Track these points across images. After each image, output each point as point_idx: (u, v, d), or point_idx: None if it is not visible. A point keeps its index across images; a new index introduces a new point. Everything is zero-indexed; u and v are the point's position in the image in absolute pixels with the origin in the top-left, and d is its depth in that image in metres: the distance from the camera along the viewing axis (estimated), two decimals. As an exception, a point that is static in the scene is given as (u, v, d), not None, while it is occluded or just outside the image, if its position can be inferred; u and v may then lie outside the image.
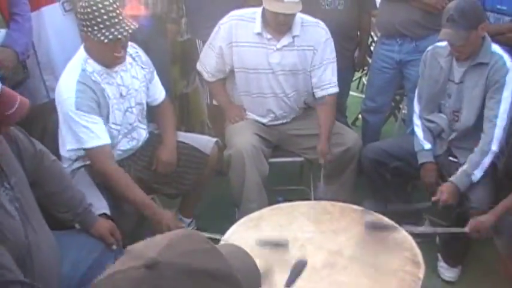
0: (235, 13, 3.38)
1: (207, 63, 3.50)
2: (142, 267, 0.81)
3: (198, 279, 0.83)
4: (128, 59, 2.90)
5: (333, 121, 3.44)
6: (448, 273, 3.23)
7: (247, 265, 1.01)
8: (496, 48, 3.06)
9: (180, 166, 3.14)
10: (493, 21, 3.50)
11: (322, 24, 3.40)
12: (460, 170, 3.00)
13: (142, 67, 3.01)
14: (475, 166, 2.96)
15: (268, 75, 3.38)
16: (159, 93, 3.18)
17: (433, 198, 2.99)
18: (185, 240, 0.88)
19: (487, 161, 2.97)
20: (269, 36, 3.30)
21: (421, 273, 2.01)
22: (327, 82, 3.44)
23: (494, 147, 2.96)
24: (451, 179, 2.99)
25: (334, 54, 3.46)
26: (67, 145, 2.78)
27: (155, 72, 3.12)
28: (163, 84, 3.24)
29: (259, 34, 3.30)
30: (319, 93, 3.46)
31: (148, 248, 0.85)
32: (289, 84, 3.42)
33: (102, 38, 2.60)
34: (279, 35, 3.29)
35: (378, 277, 2.01)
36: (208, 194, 3.50)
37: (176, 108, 4.00)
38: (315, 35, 3.36)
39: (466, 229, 2.71)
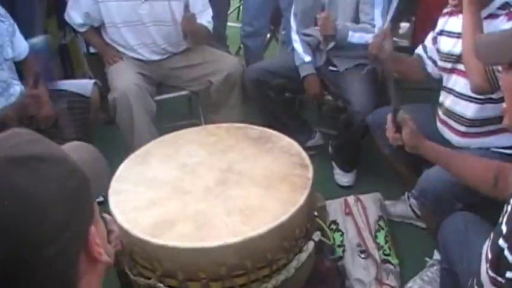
0: None
1: (74, 17, 3.39)
2: None
3: (24, 164, 0.81)
4: None
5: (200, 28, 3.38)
6: (344, 178, 3.35)
7: (91, 158, 1.00)
8: None
9: (64, 114, 3.01)
10: None
11: None
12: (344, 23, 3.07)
13: (1, 20, 2.83)
14: (356, 30, 3.04)
15: (138, 27, 3.32)
16: (23, 47, 3.00)
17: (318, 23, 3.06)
18: (10, 137, 0.86)
19: (367, 37, 3.00)
20: None
21: (310, 174, 2.06)
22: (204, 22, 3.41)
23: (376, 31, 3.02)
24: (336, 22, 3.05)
25: (207, 1, 3.44)
26: None
27: (16, 25, 2.95)
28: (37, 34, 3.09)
29: None
30: None
31: None
32: (160, 34, 3.37)
33: None
34: None
35: (269, 184, 2.04)
36: (99, 145, 3.40)
37: (58, 61, 3.86)
38: None
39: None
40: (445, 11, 2.53)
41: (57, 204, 0.81)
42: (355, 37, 3.03)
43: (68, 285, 0.85)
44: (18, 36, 2.97)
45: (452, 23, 2.44)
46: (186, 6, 3.18)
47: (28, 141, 0.86)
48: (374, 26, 3.05)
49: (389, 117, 2.13)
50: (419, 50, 2.72)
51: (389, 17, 2.91)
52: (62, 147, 0.93)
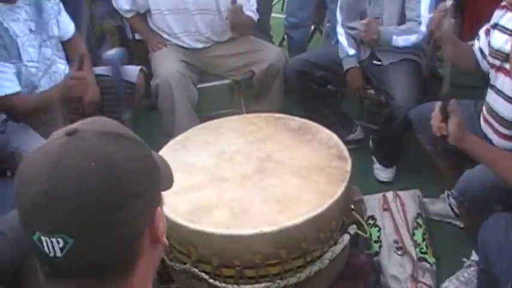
0: None
1: (121, 3, 3.43)
2: (64, 135, 0.89)
3: (113, 138, 0.91)
4: None
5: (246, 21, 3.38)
6: (383, 174, 3.32)
7: (161, 160, 1.07)
8: None
9: (109, 100, 3.06)
10: None
11: None
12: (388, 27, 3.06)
13: None
14: (399, 33, 3.02)
15: (184, 15, 3.33)
16: (68, 26, 3.04)
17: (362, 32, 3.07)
18: (100, 119, 0.98)
19: (412, 38, 3.01)
20: None
21: (348, 167, 2.04)
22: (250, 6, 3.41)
23: (423, 29, 2.99)
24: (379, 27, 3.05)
25: None
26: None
27: (61, 5, 2.99)
28: (81, 19, 3.14)
29: None
30: None
31: (68, 127, 0.93)
32: (204, 22, 3.38)
33: None
34: None
35: (307, 175, 2.03)
36: (141, 130, 3.45)
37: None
38: None
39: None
40: (503, 3, 2.41)
41: (134, 175, 0.90)
42: (399, 40, 3.02)
43: (129, 259, 0.91)
44: (64, 15, 3.00)
45: (508, 18, 2.34)
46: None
47: (115, 124, 0.97)
48: (420, 23, 3.00)
49: (437, 104, 2.04)
50: (474, 47, 2.64)
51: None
52: None
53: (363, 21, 3.00)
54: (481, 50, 2.54)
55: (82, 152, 0.87)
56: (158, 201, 0.98)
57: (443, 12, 2.48)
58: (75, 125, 0.92)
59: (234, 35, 3.40)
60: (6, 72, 2.60)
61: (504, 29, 2.33)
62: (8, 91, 2.60)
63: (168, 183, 1.06)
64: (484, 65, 2.53)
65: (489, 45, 2.42)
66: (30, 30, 2.72)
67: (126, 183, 0.88)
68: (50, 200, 0.84)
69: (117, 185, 0.87)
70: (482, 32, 2.54)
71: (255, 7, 3.44)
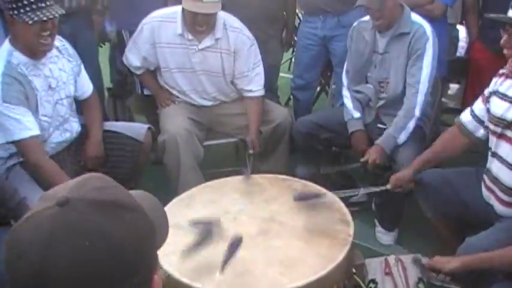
0: (157, 13, 3.38)
1: (132, 60, 3.51)
2: (55, 205, 0.86)
3: (107, 209, 0.88)
4: (55, 52, 2.86)
5: (260, 115, 3.48)
6: (385, 237, 3.32)
7: (155, 208, 1.06)
8: (415, 17, 3.16)
9: (114, 156, 3.12)
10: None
11: (245, 30, 3.40)
12: (386, 132, 3.11)
13: (69, 60, 2.97)
14: (399, 130, 3.07)
15: (191, 74, 3.41)
16: (86, 86, 3.14)
17: (362, 159, 3.10)
18: (94, 180, 0.94)
19: (411, 125, 3.09)
20: (190, 37, 3.30)
21: (351, 231, 2.07)
22: (254, 89, 3.49)
23: (417, 112, 3.07)
24: (377, 141, 3.10)
25: (259, 57, 3.49)
26: (-4, 140, 2.73)
27: (82, 66, 3.09)
28: (92, 76, 3.23)
29: (180, 35, 3.30)
30: (245, 95, 3.52)
31: (59, 189, 0.91)
32: (210, 83, 3.46)
33: (27, 19, 2.54)
34: (200, 35, 3.29)
35: (310, 238, 2.06)
36: (146, 183, 3.49)
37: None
38: (238, 42, 3.35)
39: (388, 186, 2.81)
40: (501, 71, 2.49)
41: (131, 248, 0.87)
42: (402, 136, 3.09)
43: None
44: (84, 76, 3.11)
45: (507, 85, 2.40)
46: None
47: (111, 187, 0.94)
48: (417, 91, 3.07)
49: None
50: (460, 117, 2.70)
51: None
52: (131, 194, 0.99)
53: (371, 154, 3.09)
54: (476, 117, 2.59)
55: (75, 228, 0.84)
56: (156, 266, 0.97)
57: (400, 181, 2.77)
58: (67, 191, 0.89)
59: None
60: (28, 116, 2.68)
61: (505, 96, 2.38)
62: (29, 134, 2.67)
63: (164, 235, 1.05)
64: (480, 133, 2.59)
65: (489, 112, 2.47)
66: (49, 87, 2.81)
67: (124, 259, 0.86)
68: (41, 283, 0.82)
69: (113, 264, 0.85)
70: (478, 102, 2.60)
71: (262, 79, 3.52)
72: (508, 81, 2.41)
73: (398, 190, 2.81)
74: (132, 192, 1.02)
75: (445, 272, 2.10)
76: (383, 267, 2.75)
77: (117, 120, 4.15)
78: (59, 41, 2.90)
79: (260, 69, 3.50)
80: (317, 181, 2.50)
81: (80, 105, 3.18)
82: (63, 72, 2.91)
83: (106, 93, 4.69)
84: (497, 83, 2.48)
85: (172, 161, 3.26)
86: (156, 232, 0.97)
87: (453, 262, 2.09)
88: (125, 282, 0.86)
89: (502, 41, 2.30)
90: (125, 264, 0.86)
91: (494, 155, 2.43)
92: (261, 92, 3.52)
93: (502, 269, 2.03)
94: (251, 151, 3.24)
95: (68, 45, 3.00)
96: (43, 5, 2.58)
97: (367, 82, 3.33)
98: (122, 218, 0.89)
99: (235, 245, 1.99)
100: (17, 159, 2.81)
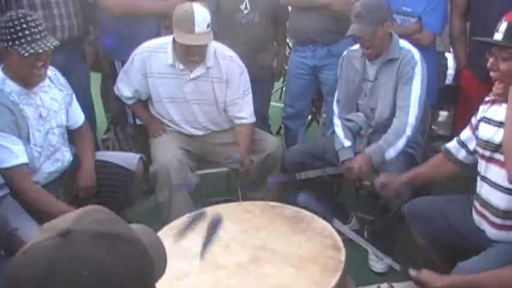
0: (148, 44, 3.40)
1: (123, 90, 3.52)
2: (56, 236, 0.86)
3: (107, 241, 0.89)
4: (47, 82, 2.87)
5: (251, 141, 3.51)
6: (378, 265, 3.31)
7: (154, 242, 1.07)
8: (404, 43, 3.22)
9: (106, 185, 3.12)
10: (400, 22, 3.66)
11: (236, 58, 3.43)
12: (375, 144, 3.13)
13: (60, 89, 2.98)
14: (389, 145, 3.09)
15: (182, 104, 3.43)
16: (78, 116, 3.16)
17: (347, 165, 3.15)
18: (94, 212, 0.96)
19: (400, 144, 3.10)
20: (181, 66, 3.32)
21: (342, 257, 2.07)
22: (245, 116, 3.51)
23: (409, 131, 3.09)
24: (366, 149, 3.13)
25: (249, 84, 3.52)
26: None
27: (74, 96, 3.10)
28: (84, 108, 3.24)
29: (171, 65, 3.32)
30: (237, 122, 3.54)
31: (60, 221, 0.91)
32: (202, 112, 3.48)
33: (22, 51, 2.55)
34: (191, 65, 3.32)
35: (302, 265, 2.06)
36: (138, 213, 3.47)
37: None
38: (229, 70, 3.38)
39: (376, 180, 2.88)
40: (487, 98, 2.54)
41: (130, 281, 0.88)
42: (391, 152, 3.11)
43: None
44: (75, 105, 3.12)
45: (494, 110, 2.44)
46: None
47: (111, 219, 0.96)
48: (407, 113, 3.10)
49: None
50: (448, 144, 2.74)
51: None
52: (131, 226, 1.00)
53: (357, 160, 3.12)
54: (460, 142, 2.65)
55: (76, 259, 0.85)
56: None
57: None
58: (68, 222, 0.90)
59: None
60: (18, 144, 2.69)
61: (491, 121, 2.42)
62: (18, 161, 2.67)
63: (162, 269, 1.06)
64: (461, 155, 2.64)
65: (477, 138, 2.51)
66: (40, 116, 2.82)
67: None
68: None
69: None
70: (467, 130, 2.64)
71: (251, 106, 3.53)
72: (494, 107, 2.45)
73: (382, 191, 2.84)
74: (133, 226, 1.04)
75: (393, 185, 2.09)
76: (376, 295, 2.74)
77: (121, 150, 4.14)
78: (50, 71, 2.92)
79: (249, 98, 3.52)
80: (308, 209, 2.49)
81: (72, 136, 3.18)
82: (54, 101, 2.92)
83: (106, 122, 4.76)
84: (484, 110, 2.52)
85: (164, 191, 3.24)
86: (155, 266, 0.98)
87: (444, 280, 2.09)
88: None
89: (488, 64, 2.34)
90: None
91: (484, 179, 2.45)
92: (253, 119, 3.54)
93: None
94: (241, 169, 3.30)
95: (59, 75, 3.02)
96: (38, 36, 2.60)
97: (358, 110, 3.35)
98: (122, 251, 0.90)
99: (215, 224, 1.98)
100: (8, 189, 2.80)
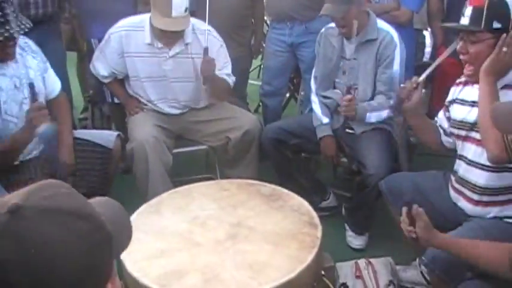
0: (124, 22, 3.34)
1: (99, 69, 3.47)
2: (6, 213, 0.85)
3: (59, 217, 0.87)
4: (17, 50, 2.79)
5: (221, 81, 3.44)
6: (356, 241, 3.33)
7: (117, 216, 1.05)
8: (382, 24, 3.20)
9: (84, 163, 3.08)
10: (378, 0, 3.66)
11: (213, 31, 3.39)
12: (361, 103, 3.13)
13: (33, 56, 2.91)
14: (372, 109, 3.11)
15: (162, 82, 3.40)
16: (56, 84, 3.08)
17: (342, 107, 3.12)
18: (46, 187, 0.93)
19: (383, 114, 3.13)
20: (160, 45, 3.28)
21: (319, 233, 2.08)
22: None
23: (391, 112, 3.12)
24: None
25: (228, 57, 3.49)
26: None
27: (48, 63, 3.03)
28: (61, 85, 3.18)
29: (149, 44, 3.28)
30: None
31: (12, 197, 0.90)
32: (182, 90, 3.44)
33: None
34: (170, 43, 3.28)
35: (278, 241, 2.06)
36: (116, 193, 3.46)
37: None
38: (208, 43, 3.29)
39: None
40: (458, 81, 2.56)
41: (77, 259, 0.87)
42: (372, 117, 3.13)
43: None
44: (51, 73, 3.05)
45: (466, 91, 2.47)
46: (206, 50, 3.23)
47: (62, 194, 0.93)
48: (390, 98, 3.11)
49: (404, 210, 2.16)
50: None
51: (424, 75, 2.91)
52: (91, 201, 0.99)
53: (347, 96, 3.07)
54: (441, 127, 2.65)
55: (23, 237, 0.84)
56: (109, 275, 0.96)
57: (415, 84, 2.58)
58: (19, 198, 0.88)
59: (210, 100, 3.47)
60: None
61: (464, 102, 2.45)
62: None
63: (126, 243, 1.05)
64: (445, 140, 2.64)
65: (449, 119, 2.54)
66: (15, 86, 2.76)
67: (69, 269, 0.86)
68: None
69: (58, 274, 0.85)
70: (440, 112, 2.66)
71: (229, 69, 3.50)
72: (467, 88, 2.48)
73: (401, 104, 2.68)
74: (94, 199, 1.02)
75: (420, 234, 2.08)
76: (353, 271, 2.77)
77: (96, 128, 4.09)
78: (21, 39, 2.82)
79: (229, 70, 3.49)
80: (288, 186, 2.50)
81: (49, 107, 3.09)
82: (29, 69, 2.85)
83: (83, 102, 4.72)
84: (455, 92, 2.55)
85: (141, 169, 3.23)
86: (113, 240, 0.96)
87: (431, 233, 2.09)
88: None
89: (458, 47, 2.35)
90: (69, 274, 0.86)
91: (461, 157, 2.47)
92: (231, 81, 3.51)
93: (476, 265, 2.04)
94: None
95: (31, 43, 2.94)
96: (2, 20, 2.52)
97: (335, 88, 3.35)
98: (70, 227, 0.88)
99: None
100: None
